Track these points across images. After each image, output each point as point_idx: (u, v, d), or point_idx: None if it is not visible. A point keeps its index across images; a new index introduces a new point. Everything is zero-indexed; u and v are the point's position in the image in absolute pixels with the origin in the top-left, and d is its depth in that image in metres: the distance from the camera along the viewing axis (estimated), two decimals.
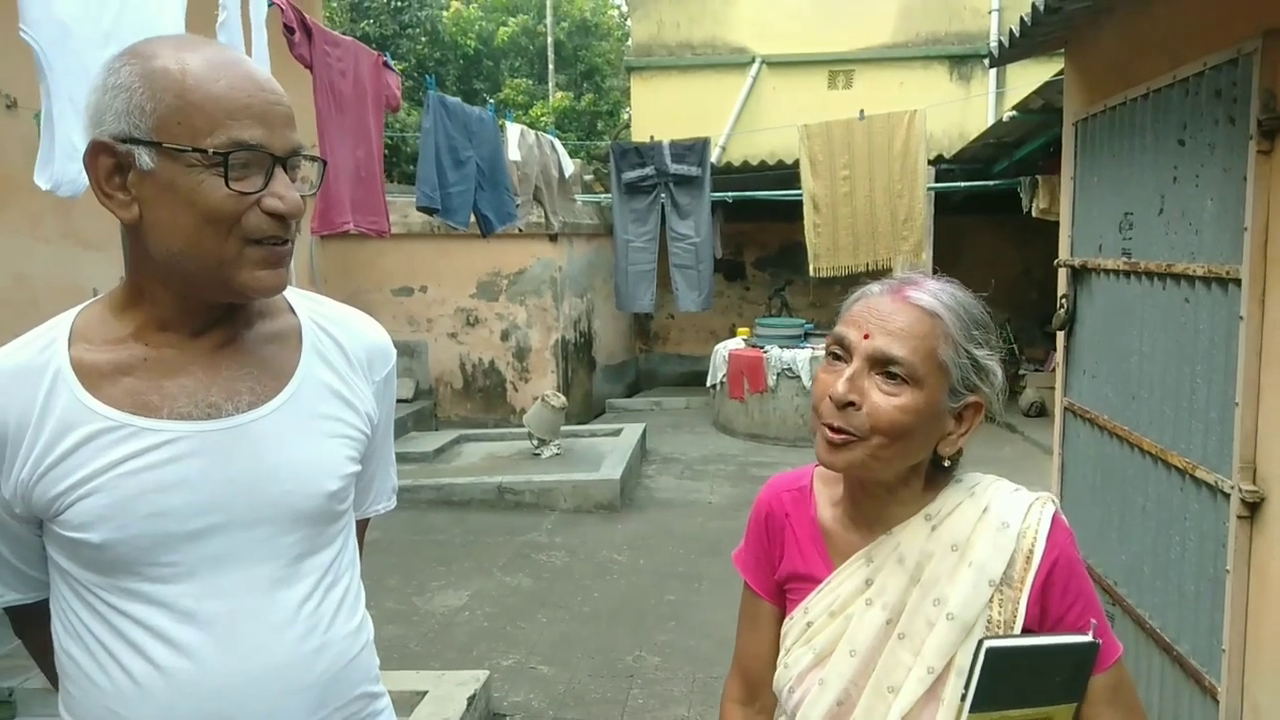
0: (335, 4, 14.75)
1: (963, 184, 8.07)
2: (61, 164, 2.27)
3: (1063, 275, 3.74)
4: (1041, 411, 8.64)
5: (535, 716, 3.48)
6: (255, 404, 1.07)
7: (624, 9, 20.18)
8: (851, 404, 1.08)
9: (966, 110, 10.02)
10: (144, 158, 0.96)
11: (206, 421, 1.04)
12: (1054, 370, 4.50)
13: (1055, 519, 1.13)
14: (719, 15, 10.98)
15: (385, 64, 4.47)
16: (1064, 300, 3.71)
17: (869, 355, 1.09)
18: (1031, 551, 1.10)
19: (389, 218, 4.73)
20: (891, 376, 1.08)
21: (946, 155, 8.37)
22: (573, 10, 18.32)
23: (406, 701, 3.05)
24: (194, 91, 0.95)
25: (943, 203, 8.16)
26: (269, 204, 0.97)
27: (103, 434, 1.01)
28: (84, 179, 2.56)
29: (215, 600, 1.03)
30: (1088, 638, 1.06)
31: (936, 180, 7.93)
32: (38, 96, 5.13)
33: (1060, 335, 3.80)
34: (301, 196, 1.02)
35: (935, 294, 1.11)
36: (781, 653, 1.22)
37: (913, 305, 1.10)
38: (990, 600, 1.09)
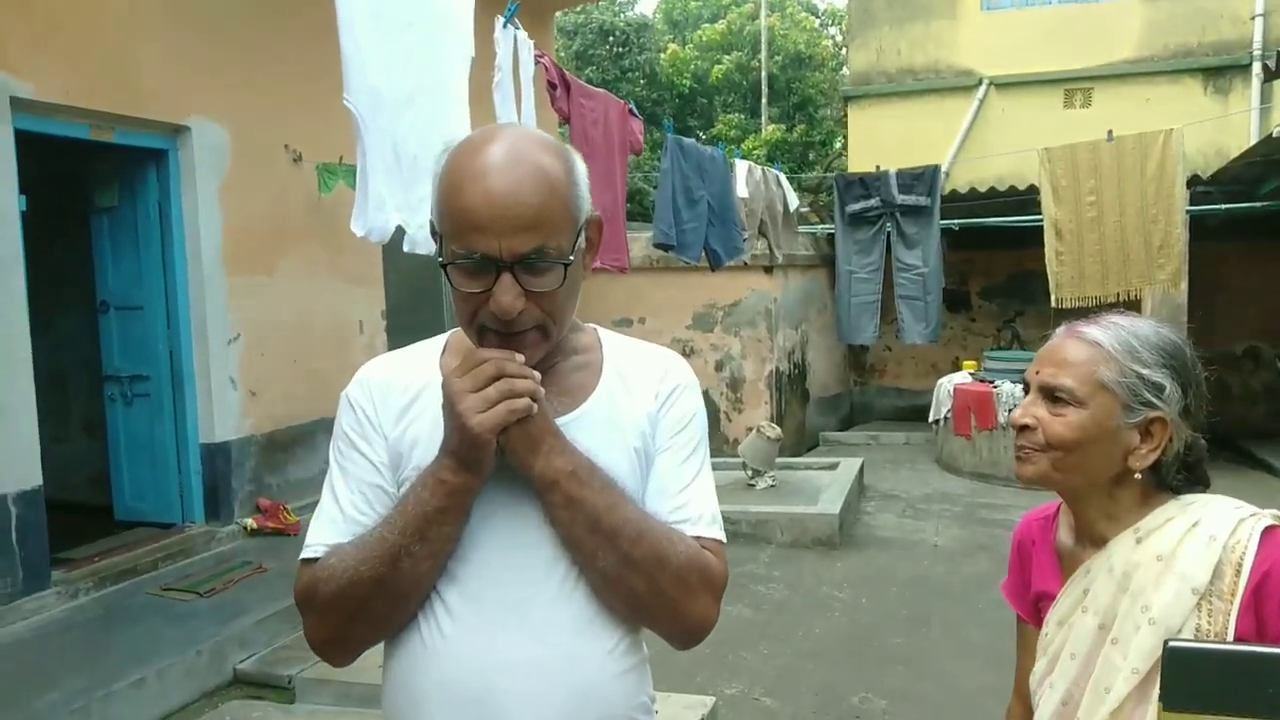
0: (563, 54, 15.67)
1: (1225, 206, 7.37)
2: (374, 214, 2.57)
3: None
4: None
5: None
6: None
7: (839, 40, 20.08)
8: (1026, 427, 1.26)
9: (1223, 126, 9.16)
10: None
11: None
12: None
13: (1268, 533, 1.15)
14: (942, 38, 10.70)
15: (630, 111, 4.77)
16: None
17: (1039, 387, 1.28)
18: (1240, 564, 1.13)
19: (629, 254, 4.97)
20: (1057, 400, 1.24)
21: (1203, 175, 7.69)
22: (787, 44, 18.44)
23: None
24: (445, 201, 1.10)
25: (1197, 228, 7.47)
26: (490, 304, 1.09)
27: (438, 420, 1.16)
28: (390, 226, 2.87)
29: (495, 587, 1.15)
30: None
31: (1192, 203, 7.29)
32: (319, 151, 5.79)
33: None
34: (546, 293, 1.11)
35: (1104, 325, 1.25)
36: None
37: (1077, 338, 1.26)
38: (1198, 609, 1.14)
